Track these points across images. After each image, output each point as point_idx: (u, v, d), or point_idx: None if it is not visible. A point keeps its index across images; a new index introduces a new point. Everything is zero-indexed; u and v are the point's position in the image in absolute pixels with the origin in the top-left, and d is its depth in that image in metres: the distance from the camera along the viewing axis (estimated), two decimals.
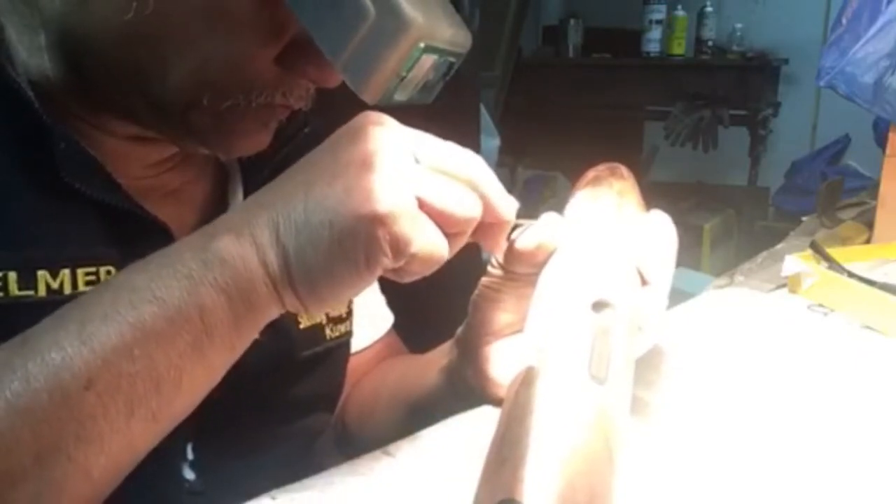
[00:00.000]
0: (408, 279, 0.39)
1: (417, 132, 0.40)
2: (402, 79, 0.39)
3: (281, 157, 0.53)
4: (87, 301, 0.36)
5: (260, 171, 0.53)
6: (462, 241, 0.40)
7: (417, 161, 0.38)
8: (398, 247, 0.36)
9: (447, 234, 0.39)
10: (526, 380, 0.37)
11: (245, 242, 0.37)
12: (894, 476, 0.44)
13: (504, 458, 0.33)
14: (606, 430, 0.34)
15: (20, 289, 0.42)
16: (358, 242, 0.36)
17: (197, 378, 0.38)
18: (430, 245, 0.38)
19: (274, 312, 0.39)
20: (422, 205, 0.37)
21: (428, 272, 0.39)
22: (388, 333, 0.70)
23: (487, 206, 0.40)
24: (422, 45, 0.38)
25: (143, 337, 0.35)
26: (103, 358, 0.34)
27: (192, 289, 0.36)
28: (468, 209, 0.39)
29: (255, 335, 0.40)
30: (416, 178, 0.37)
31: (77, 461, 0.34)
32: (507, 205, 0.41)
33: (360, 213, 0.36)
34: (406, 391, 0.61)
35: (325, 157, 0.38)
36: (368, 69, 0.38)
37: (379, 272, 0.38)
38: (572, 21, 3.46)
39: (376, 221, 0.36)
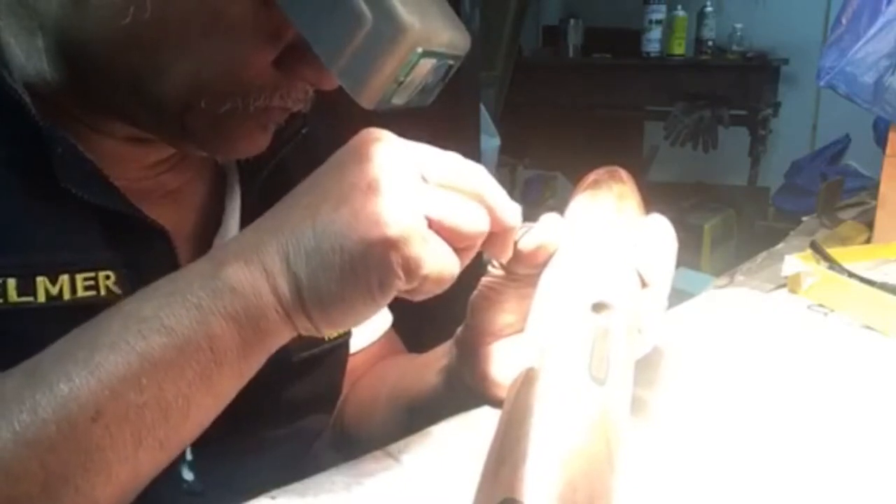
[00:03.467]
0: (420, 298, 0.39)
1: (419, 145, 0.39)
2: (400, 83, 0.39)
3: (279, 159, 0.53)
4: (96, 329, 0.36)
5: (258, 173, 0.53)
6: (472, 255, 0.40)
7: (423, 177, 0.38)
8: (410, 269, 0.36)
9: (456, 249, 0.38)
10: (526, 380, 0.37)
11: (255, 270, 0.37)
12: (894, 476, 0.44)
13: (504, 458, 0.33)
14: (606, 430, 0.34)
15: (19, 295, 0.42)
16: (370, 267, 0.36)
17: (205, 406, 0.38)
18: (442, 264, 0.37)
19: (285, 337, 0.39)
20: (430, 223, 0.37)
21: (440, 291, 0.39)
22: (387, 333, 0.70)
23: (494, 217, 0.40)
24: (419, 49, 0.37)
25: (152, 367, 0.35)
26: (111, 388, 0.34)
27: (202, 318, 0.36)
28: (477, 224, 0.38)
29: (264, 361, 0.40)
30: (424, 198, 0.37)
31: (84, 491, 0.34)
32: (513, 213, 0.41)
33: (371, 238, 0.35)
34: (405, 391, 0.61)
35: (330, 180, 0.38)
36: (365, 75, 0.37)
37: (392, 295, 0.38)
38: (572, 21, 3.46)
39: (387, 246, 0.35)
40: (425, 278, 0.37)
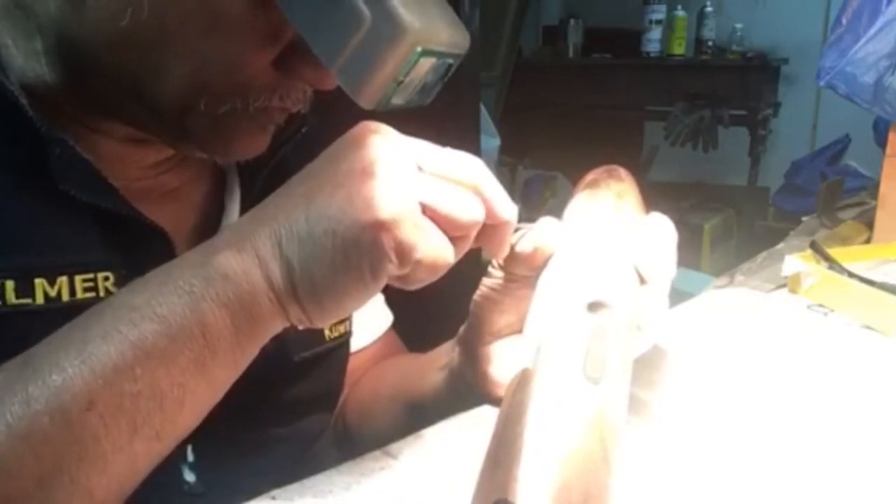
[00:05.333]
0: (414, 286, 0.39)
1: (416, 140, 0.39)
2: (400, 83, 0.38)
3: (278, 159, 0.53)
4: (88, 320, 0.36)
5: (258, 172, 0.53)
6: (466, 246, 0.40)
7: (419, 167, 0.38)
8: (403, 253, 0.36)
9: (451, 239, 0.38)
10: (522, 381, 0.37)
11: (247, 257, 0.37)
12: (894, 476, 0.44)
13: (499, 459, 0.33)
14: (602, 430, 0.34)
15: (18, 297, 0.42)
16: (362, 251, 0.36)
17: (200, 395, 0.37)
18: (435, 250, 0.37)
19: (277, 326, 0.39)
20: (425, 209, 0.37)
21: (434, 278, 0.39)
22: (388, 332, 0.70)
23: (490, 209, 0.39)
24: (419, 49, 0.37)
25: (145, 355, 0.35)
26: (104, 378, 0.34)
27: (194, 305, 0.36)
28: (472, 212, 0.38)
29: (258, 350, 0.39)
30: (419, 184, 0.37)
31: (79, 482, 0.34)
32: (509, 207, 0.41)
33: (363, 221, 0.35)
34: (406, 390, 0.61)
35: (325, 168, 0.38)
36: (365, 75, 0.37)
37: (384, 281, 0.37)
38: (572, 21, 3.46)
39: (379, 228, 0.35)
40: (418, 263, 0.37)
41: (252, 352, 0.39)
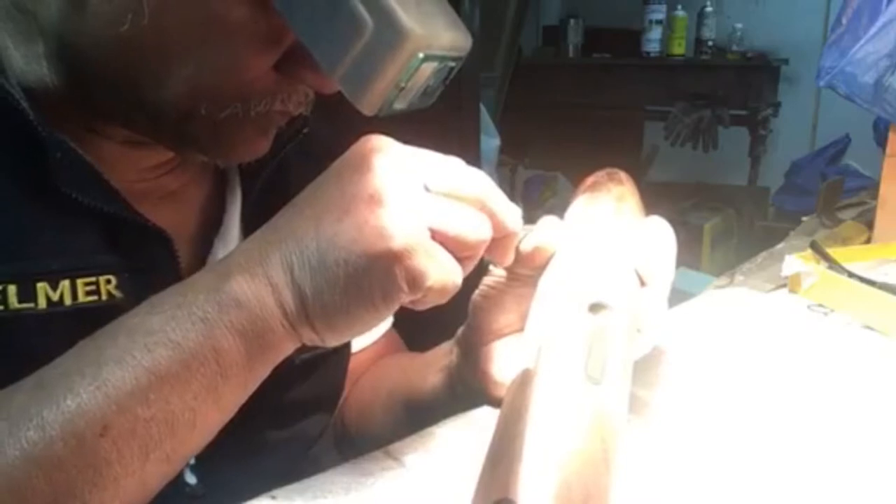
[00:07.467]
0: (423, 308, 0.39)
1: (419, 152, 0.39)
2: (402, 89, 0.38)
3: (279, 160, 0.53)
4: (102, 343, 0.36)
5: (259, 173, 0.53)
6: (475, 262, 0.40)
7: (425, 186, 0.38)
8: (414, 281, 0.36)
9: (459, 258, 0.39)
10: (523, 381, 0.37)
11: (260, 283, 0.37)
12: (894, 476, 0.44)
13: (500, 458, 0.33)
14: (603, 430, 0.34)
15: (20, 301, 0.42)
16: (374, 280, 0.36)
17: (210, 418, 0.38)
18: (445, 275, 0.38)
19: (290, 349, 0.39)
20: (434, 234, 0.37)
21: (443, 301, 0.39)
22: (389, 332, 0.70)
23: (496, 223, 0.40)
24: (421, 55, 0.37)
25: (159, 381, 0.35)
26: (118, 403, 0.34)
27: (208, 332, 0.36)
28: (480, 232, 0.39)
29: (268, 372, 0.40)
30: (427, 209, 0.37)
31: None
32: (515, 218, 0.41)
33: (375, 252, 0.36)
34: (405, 390, 0.61)
35: (331, 190, 0.38)
36: (367, 81, 0.37)
37: (396, 307, 0.38)
38: (572, 21, 3.46)
39: (391, 258, 0.36)
40: (429, 289, 0.37)
41: (262, 374, 0.39)
